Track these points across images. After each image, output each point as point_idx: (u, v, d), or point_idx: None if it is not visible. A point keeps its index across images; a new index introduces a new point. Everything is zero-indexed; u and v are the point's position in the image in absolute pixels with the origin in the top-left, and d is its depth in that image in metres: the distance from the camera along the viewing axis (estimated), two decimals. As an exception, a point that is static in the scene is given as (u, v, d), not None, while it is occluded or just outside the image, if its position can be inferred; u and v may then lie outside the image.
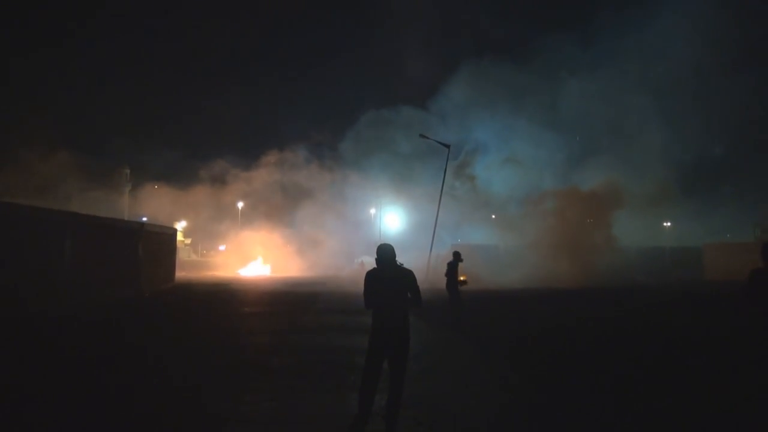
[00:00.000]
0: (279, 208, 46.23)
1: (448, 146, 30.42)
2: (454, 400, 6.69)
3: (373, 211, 52.88)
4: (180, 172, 45.64)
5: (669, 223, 55.26)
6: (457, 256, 13.23)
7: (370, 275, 5.53)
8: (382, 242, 5.86)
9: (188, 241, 59.11)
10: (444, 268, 13.55)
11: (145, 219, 42.72)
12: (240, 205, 53.28)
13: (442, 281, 13.56)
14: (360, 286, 5.60)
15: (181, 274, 29.43)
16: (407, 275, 5.53)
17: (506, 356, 9.43)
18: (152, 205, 46.54)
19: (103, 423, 5.67)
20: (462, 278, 13.43)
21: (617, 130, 42.62)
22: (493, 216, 47.55)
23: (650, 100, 43.12)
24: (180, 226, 51.44)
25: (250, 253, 44.97)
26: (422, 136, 32.48)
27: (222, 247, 60.37)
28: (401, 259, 5.71)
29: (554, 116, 43.55)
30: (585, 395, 6.91)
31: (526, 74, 46.77)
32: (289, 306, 17.25)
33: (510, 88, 43.60)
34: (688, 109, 41.64)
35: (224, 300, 19.22)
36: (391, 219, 51.25)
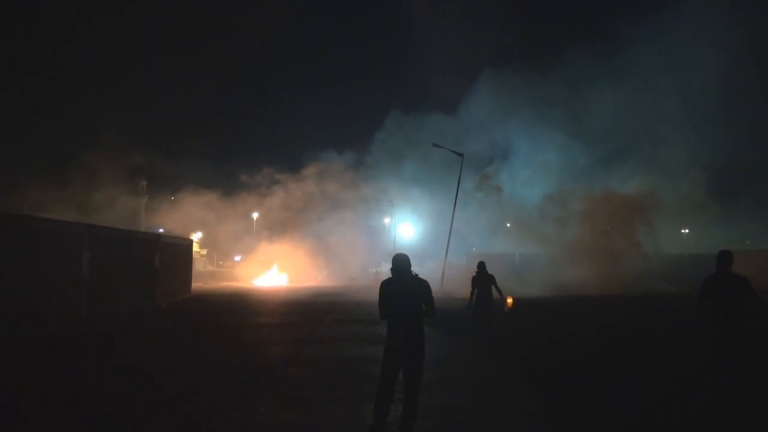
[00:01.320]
0: (294, 218, 46.37)
1: (461, 155, 30.35)
2: (471, 411, 6.61)
3: (387, 220, 52.90)
4: (196, 184, 45.94)
5: (687, 230, 54.57)
6: (481, 267, 11.91)
7: (385, 285, 5.50)
8: (398, 252, 5.83)
9: (204, 251, 59.49)
10: (461, 277, 13.40)
11: (161, 230, 43.15)
12: (255, 215, 53.56)
13: (458, 291, 13.43)
14: (375, 295, 5.58)
15: (197, 284, 29.59)
16: (423, 285, 5.49)
17: (525, 367, 9.30)
18: (169, 216, 46.95)
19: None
20: (509, 301, 12.66)
21: (641, 138, 42.38)
22: (509, 225, 47.36)
23: (674, 107, 42.80)
24: (196, 237, 51.83)
25: (266, 263, 45.14)
26: (435, 145, 32.47)
27: (238, 258, 60.69)
28: (416, 269, 5.68)
29: (578, 125, 43.27)
30: (607, 410, 6.78)
31: (549, 84, 46.73)
32: (304, 316, 17.24)
33: (532, 97, 43.52)
34: (712, 116, 41.24)
35: (240, 310, 19.27)
36: (406, 228, 51.21)
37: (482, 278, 11.73)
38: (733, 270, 6.43)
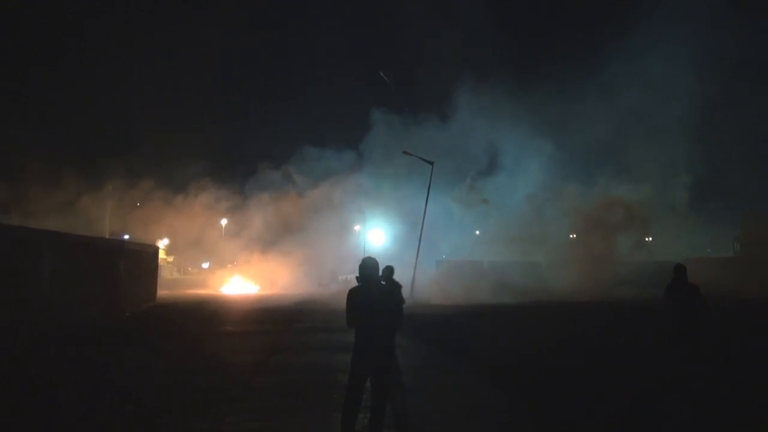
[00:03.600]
0: (263, 225, 45.86)
1: (431, 163, 30.53)
2: (438, 419, 6.63)
3: (357, 227, 52.75)
4: (161, 190, 45.08)
5: (650, 238, 55.92)
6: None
7: (353, 293, 5.42)
8: (366, 256, 5.69)
9: (171, 258, 58.43)
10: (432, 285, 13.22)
11: (126, 237, 42.16)
12: (223, 222, 52.86)
13: (428, 299, 13.37)
14: (344, 303, 5.48)
15: (163, 292, 28.99)
16: (392, 292, 5.42)
17: (495, 376, 9.35)
18: (134, 222, 45.96)
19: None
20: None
21: (612, 149, 43.14)
22: (477, 232, 47.77)
23: (643, 119, 43.78)
24: (162, 243, 50.85)
25: (233, 270, 44.51)
26: (405, 152, 32.60)
27: (205, 265, 59.75)
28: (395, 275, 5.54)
29: (558, 134, 43.61)
30: (580, 419, 6.88)
31: (531, 94, 47.19)
32: (272, 324, 17.06)
33: (516, 107, 43.66)
34: (678, 127, 42.26)
35: (206, 319, 18.96)
36: (376, 235, 51.18)
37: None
38: (689, 279, 7.87)
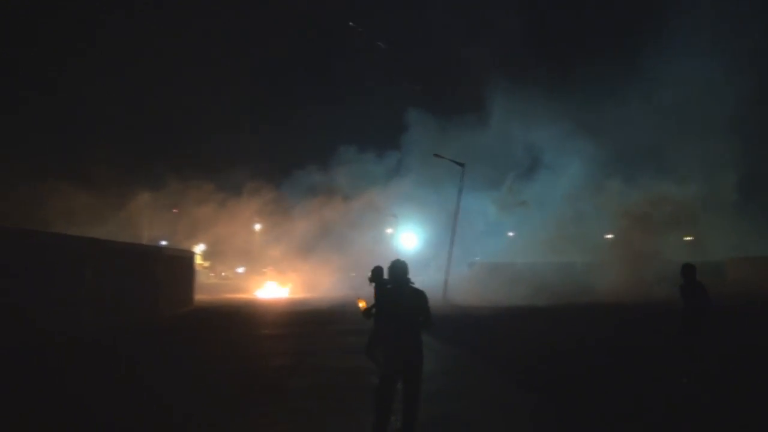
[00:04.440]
0: (298, 229, 46.40)
1: (462, 165, 30.45)
2: (470, 421, 6.63)
3: (390, 230, 52.89)
4: (199, 195, 46.02)
5: (693, 237, 54.31)
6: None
7: (381, 295, 5.50)
8: (396, 258, 5.69)
9: (207, 263, 59.51)
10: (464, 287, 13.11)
11: (164, 243, 43.19)
12: (257, 227, 53.63)
13: (460, 301, 13.32)
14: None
15: (200, 296, 29.62)
16: (419, 296, 5.45)
17: (525, 378, 9.28)
18: (171, 228, 47.08)
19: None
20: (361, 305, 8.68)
21: (655, 147, 42.05)
22: (511, 234, 47.23)
23: (687, 116, 42.47)
24: (199, 249, 51.89)
25: (268, 275, 45.17)
26: (436, 155, 32.59)
27: (240, 269, 60.71)
28: (419, 278, 5.59)
29: (591, 131, 42.53)
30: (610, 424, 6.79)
31: (570, 93, 46.14)
32: (305, 327, 17.26)
33: (555, 108, 42.74)
34: (724, 124, 40.82)
35: (242, 322, 19.30)
36: (408, 238, 51.20)
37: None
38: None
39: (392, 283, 5.47)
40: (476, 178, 40.55)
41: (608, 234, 42.07)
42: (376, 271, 8.13)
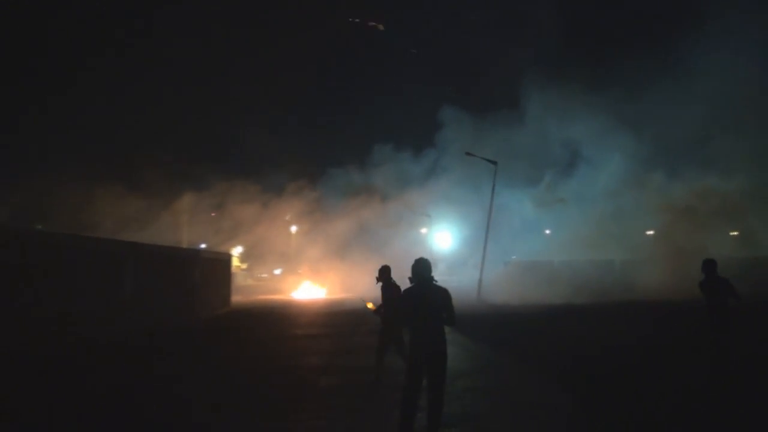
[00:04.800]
0: (333, 230, 46.82)
1: (495, 163, 30.22)
2: (499, 419, 6.61)
3: (424, 230, 52.83)
4: (236, 198, 46.88)
5: (736, 233, 52.41)
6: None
7: (407, 293, 5.59)
8: (419, 257, 5.81)
9: (244, 266, 60.50)
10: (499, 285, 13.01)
11: (203, 245, 44.17)
12: (293, 229, 54.31)
13: (491, 298, 13.26)
14: None
15: (237, 298, 30.20)
16: (442, 293, 5.52)
17: (558, 377, 9.17)
18: (210, 231, 48.12)
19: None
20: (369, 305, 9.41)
21: (699, 140, 40.72)
22: (547, 231, 46.53)
23: (733, 107, 40.96)
24: (236, 251, 52.85)
25: (304, 276, 45.67)
26: (468, 154, 32.44)
27: (277, 271, 61.55)
28: (453, 278, 5.68)
29: (639, 127, 41.34)
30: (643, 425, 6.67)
31: (607, 86, 45.01)
32: (338, 328, 17.42)
33: (593, 103, 41.68)
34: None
35: (277, 323, 19.60)
36: (443, 237, 51.05)
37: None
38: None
39: (416, 281, 5.56)
40: (513, 175, 40.09)
41: (649, 231, 41.04)
42: (383, 271, 8.52)
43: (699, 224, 34.40)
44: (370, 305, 8.91)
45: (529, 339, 14.20)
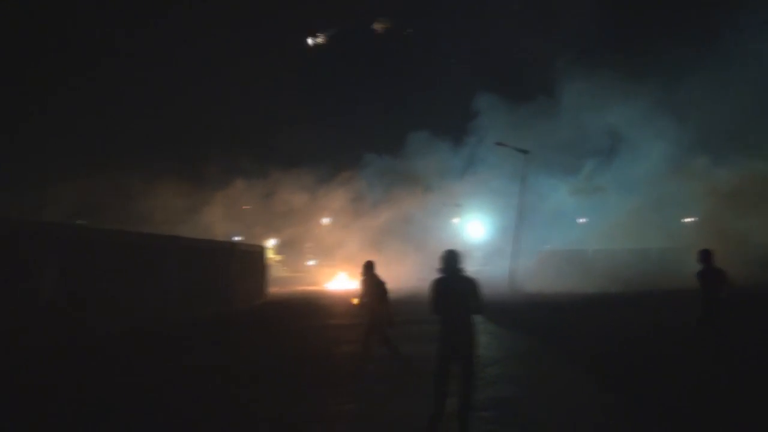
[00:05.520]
0: (367, 221, 47.21)
1: (526, 152, 30.05)
2: (530, 404, 6.81)
3: (456, 220, 52.74)
4: (269, 189, 47.69)
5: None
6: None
7: (437, 283, 5.81)
8: (448, 248, 6.03)
9: (279, 257, 61.47)
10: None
11: (237, 238, 45.13)
12: (326, 221, 54.92)
13: (524, 287, 13.39)
14: None
15: (272, 289, 30.86)
16: (471, 283, 5.73)
17: (589, 365, 9.28)
18: (243, 224, 49.09)
19: (207, 420, 6.32)
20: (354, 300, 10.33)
21: (744, 124, 39.41)
22: (582, 220, 45.84)
23: None
24: (271, 243, 53.76)
25: (338, 267, 46.25)
26: (498, 143, 32.31)
27: (311, 262, 62.34)
28: (485, 268, 5.88)
29: (679, 109, 40.01)
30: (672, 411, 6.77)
31: (648, 72, 43.71)
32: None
33: (628, 85, 40.44)
34: None
35: (313, 313, 20.05)
36: (475, 227, 50.88)
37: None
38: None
39: (445, 272, 5.77)
40: (549, 163, 39.57)
41: (688, 218, 40.12)
42: (367, 267, 9.30)
43: (743, 210, 33.44)
44: (355, 301, 9.63)
45: (560, 327, 14.26)
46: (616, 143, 42.78)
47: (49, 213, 34.26)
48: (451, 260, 5.78)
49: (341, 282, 42.12)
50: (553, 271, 30.78)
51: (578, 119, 42.37)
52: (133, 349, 11.23)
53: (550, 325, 14.77)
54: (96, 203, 38.02)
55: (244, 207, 49.62)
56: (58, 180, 37.67)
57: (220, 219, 48.93)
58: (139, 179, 38.49)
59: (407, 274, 41.22)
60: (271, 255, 45.52)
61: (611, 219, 37.89)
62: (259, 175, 47.44)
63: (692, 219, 39.81)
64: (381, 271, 9.67)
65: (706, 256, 8.51)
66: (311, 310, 21.41)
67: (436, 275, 5.84)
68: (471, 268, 6.12)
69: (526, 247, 31.75)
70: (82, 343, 10.33)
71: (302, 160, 50.79)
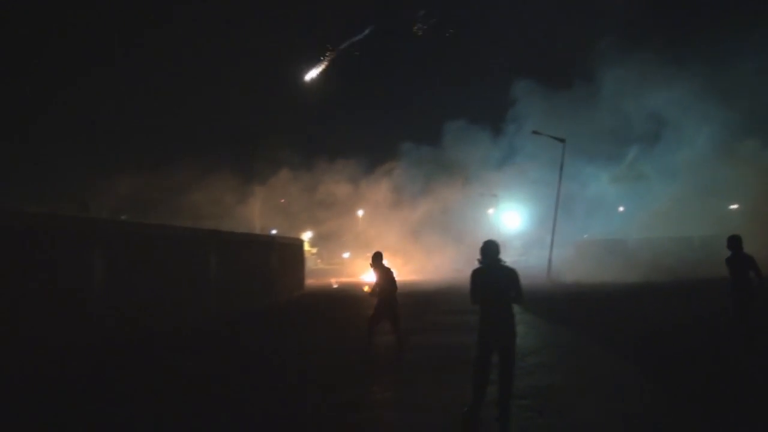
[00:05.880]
0: (400, 213, 47.37)
1: (563, 141, 29.66)
2: (568, 392, 6.87)
3: (491, 211, 52.40)
4: (306, 184, 48.33)
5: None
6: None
7: (476, 273, 5.91)
8: (488, 239, 6.11)
9: (314, 250, 62.22)
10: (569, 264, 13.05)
11: (274, 231, 45.91)
12: (360, 213, 55.27)
13: (562, 277, 13.33)
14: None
15: (309, 281, 31.36)
16: (510, 273, 5.81)
17: (628, 354, 9.23)
18: (281, 217, 49.88)
19: (256, 405, 6.60)
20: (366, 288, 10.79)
21: None
22: (621, 208, 44.86)
23: None
24: (306, 236, 54.45)
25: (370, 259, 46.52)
26: (535, 132, 31.98)
27: (346, 255, 62.85)
28: (523, 258, 5.95)
29: (724, 93, 38.49)
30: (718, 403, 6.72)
31: (691, 55, 42.22)
32: (410, 308, 17.87)
33: (673, 72, 39.05)
34: None
35: (350, 304, 20.34)
36: (511, 217, 50.44)
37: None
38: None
39: (484, 262, 5.86)
40: (590, 151, 38.80)
41: (734, 204, 38.90)
42: (375, 257, 9.58)
43: None
44: (366, 288, 10.13)
45: (599, 317, 14.17)
46: (659, 129, 41.57)
47: (96, 208, 35.64)
48: (490, 251, 5.86)
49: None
50: (591, 261, 30.35)
51: (620, 105, 41.18)
52: (192, 341, 11.69)
53: (589, 315, 14.68)
54: (143, 199, 39.37)
55: (281, 200, 50.31)
56: (106, 177, 39.14)
57: (259, 213, 49.83)
58: (183, 175, 39.64)
59: (445, 265, 41.24)
60: (306, 247, 46.13)
61: (653, 207, 37.02)
62: (299, 168, 48.00)
63: (738, 205, 38.59)
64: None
65: (734, 242, 8.37)
66: (349, 301, 21.70)
67: (473, 266, 5.94)
68: (509, 258, 6.19)
69: (565, 237, 31.38)
70: (136, 338, 10.76)
71: (341, 152, 51.11)
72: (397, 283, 9.61)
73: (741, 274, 8.24)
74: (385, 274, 9.43)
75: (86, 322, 9.77)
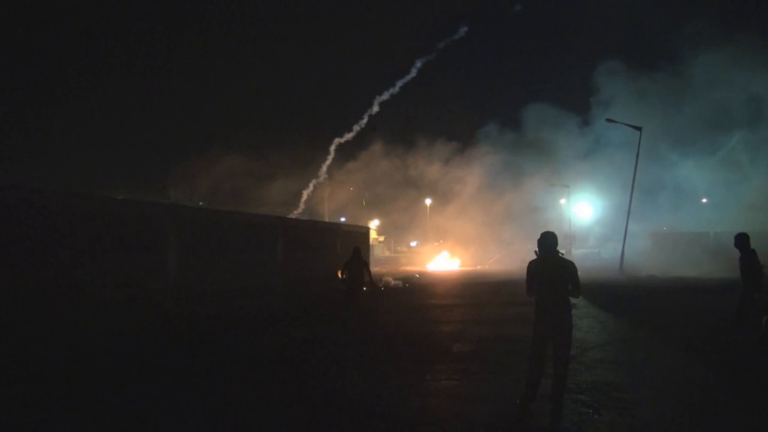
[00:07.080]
0: (467, 203, 46.88)
1: (639, 128, 28.31)
2: (628, 389, 6.63)
3: (563, 201, 50.92)
4: (371, 172, 48.68)
5: None
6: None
7: (532, 264, 5.82)
8: (546, 230, 5.99)
9: (381, 238, 62.87)
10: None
11: (343, 219, 46.69)
12: (428, 201, 55.13)
13: (635, 271, 12.81)
14: None
15: (375, 269, 31.65)
16: (567, 266, 5.67)
17: (697, 351, 8.81)
18: (349, 205, 50.60)
19: (318, 385, 6.82)
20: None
21: None
22: (704, 200, 42.25)
23: None
24: (374, 224, 55.04)
25: (440, 248, 46.45)
26: (609, 120, 30.68)
27: (413, 243, 63.07)
28: (596, 251, 5.77)
29: None
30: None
31: None
32: (472, 299, 17.81)
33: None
34: None
35: (414, 293, 20.45)
36: (583, 208, 48.80)
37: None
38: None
39: (542, 254, 5.76)
40: (675, 139, 36.74)
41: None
42: (355, 250, 11.60)
43: None
44: (339, 274, 11.91)
45: (667, 313, 13.56)
46: (756, 115, 38.41)
47: (177, 194, 37.61)
48: (547, 242, 5.76)
49: (442, 263, 42.08)
50: (667, 254, 28.99)
51: (712, 90, 38.20)
52: (266, 319, 12.18)
53: (656, 310, 14.09)
54: (223, 187, 41.19)
55: (350, 188, 50.97)
56: (188, 166, 41.24)
57: (328, 200, 50.76)
58: (261, 164, 41.12)
59: (513, 255, 40.49)
60: (373, 236, 46.62)
61: (745, 199, 34.54)
62: (374, 156, 48.18)
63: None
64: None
65: (741, 240, 8.17)
66: (413, 290, 21.81)
67: (534, 257, 5.84)
68: (580, 251, 6.03)
69: (645, 228, 29.97)
70: (209, 313, 11.32)
71: (418, 138, 50.80)
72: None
73: (751, 273, 8.28)
74: (359, 265, 11.54)
75: (164, 295, 10.38)
